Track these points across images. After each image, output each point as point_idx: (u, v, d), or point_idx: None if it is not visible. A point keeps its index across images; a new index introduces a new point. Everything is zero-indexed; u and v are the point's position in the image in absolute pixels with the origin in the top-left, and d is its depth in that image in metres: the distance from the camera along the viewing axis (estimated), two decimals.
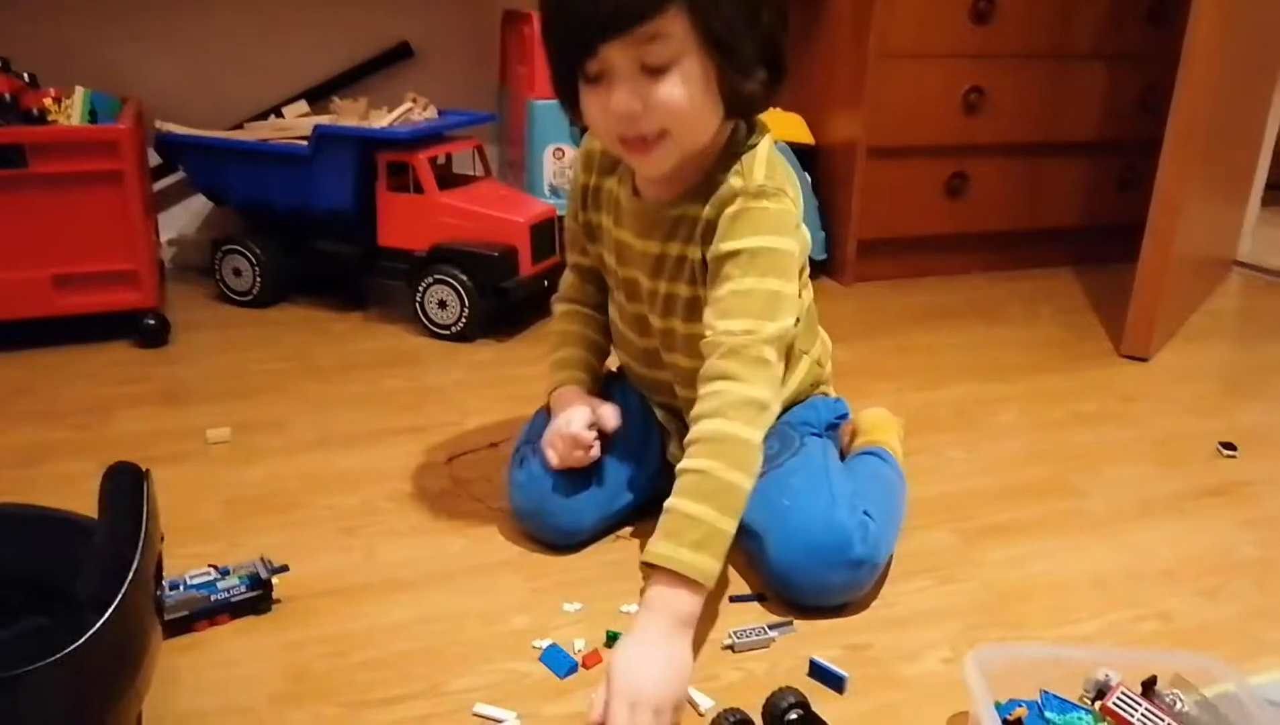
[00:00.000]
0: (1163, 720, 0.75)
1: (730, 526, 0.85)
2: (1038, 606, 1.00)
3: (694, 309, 0.97)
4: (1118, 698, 0.77)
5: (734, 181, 0.93)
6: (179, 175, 2.00)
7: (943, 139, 2.05)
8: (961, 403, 1.51)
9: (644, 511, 1.11)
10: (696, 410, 0.89)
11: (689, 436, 0.88)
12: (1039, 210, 2.20)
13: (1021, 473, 1.29)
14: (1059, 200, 2.22)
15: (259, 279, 1.83)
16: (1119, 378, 1.64)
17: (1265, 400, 1.57)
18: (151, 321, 1.63)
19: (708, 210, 0.94)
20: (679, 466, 0.88)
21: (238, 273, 1.84)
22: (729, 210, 0.92)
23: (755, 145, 0.95)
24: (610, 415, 1.05)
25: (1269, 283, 2.23)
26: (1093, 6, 2.05)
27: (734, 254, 0.91)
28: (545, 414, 1.10)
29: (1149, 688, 0.80)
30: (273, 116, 1.94)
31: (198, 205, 2.05)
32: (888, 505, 1.03)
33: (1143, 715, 0.76)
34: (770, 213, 0.92)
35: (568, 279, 1.17)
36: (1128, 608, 1.00)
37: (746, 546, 1.00)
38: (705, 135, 0.91)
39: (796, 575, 0.95)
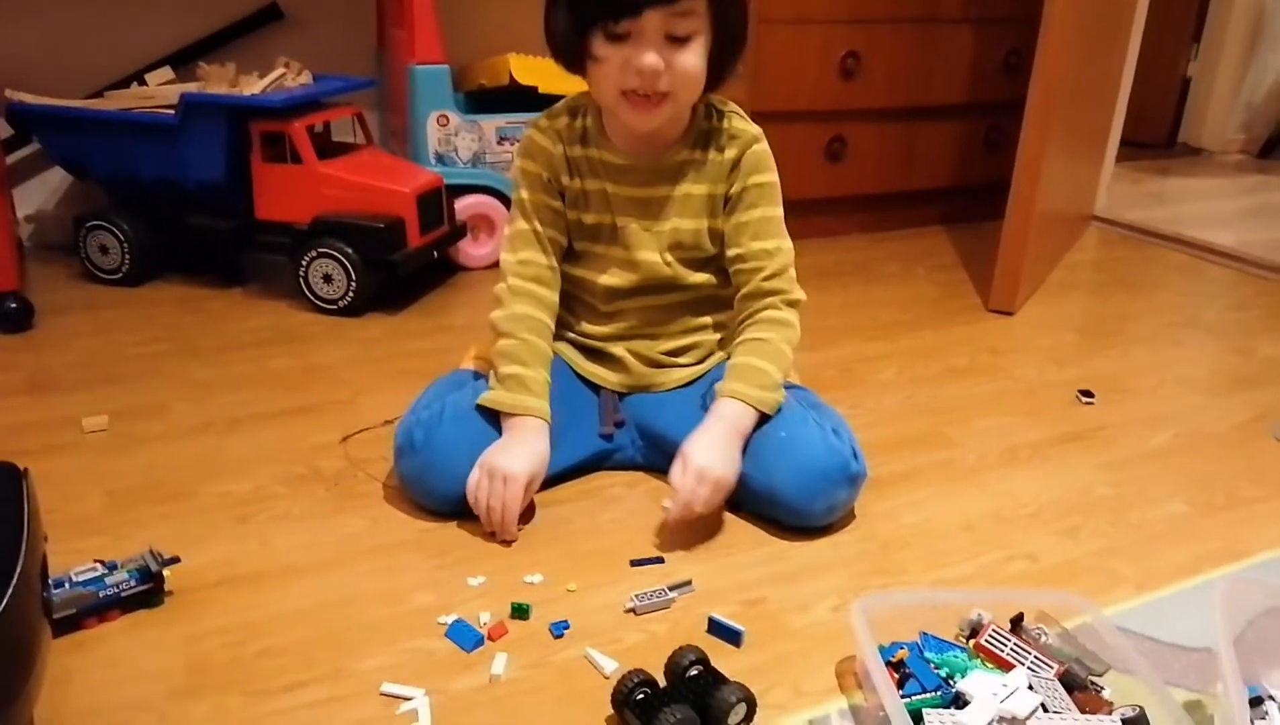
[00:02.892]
0: (1029, 653, 0.82)
1: (782, 379, 1.10)
2: (916, 553, 1.06)
3: (696, 236, 1.15)
4: (989, 635, 0.84)
5: (738, 125, 1.12)
6: (34, 147, 1.88)
7: (822, 104, 2.10)
8: (845, 362, 1.57)
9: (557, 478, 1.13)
10: (754, 306, 1.12)
11: (750, 315, 1.12)
12: (913, 172, 2.29)
13: (900, 427, 1.36)
14: (931, 162, 2.31)
15: (128, 256, 1.75)
16: (987, 332, 1.73)
17: (1119, 348, 1.68)
18: (13, 305, 1.55)
19: (729, 152, 1.11)
20: (745, 336, 1.11)
21: (104, 250, 1.75)
22: (754, 149, 1.11)
23: (722, 102, 1.13)
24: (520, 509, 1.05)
25: (1122, 236, 2.39)
26: None
27: (761, 186, 1.12)
28: (460, 394, 1.10)
29: (1017, 624, 0.87)
30: (135, 84, 1.84)
31: (56, 179, 1.93)
32: (842, 424, 1.11)
33: (1012, 650, 0.82)
34: (770, 154, 1.13)
35: (523, 253, 1.15)
36: (998, 549, 1.07)
37: (744, 487, 1.06)
38: (694, 100, 1.08)
39: (812, 501, 1.05)
